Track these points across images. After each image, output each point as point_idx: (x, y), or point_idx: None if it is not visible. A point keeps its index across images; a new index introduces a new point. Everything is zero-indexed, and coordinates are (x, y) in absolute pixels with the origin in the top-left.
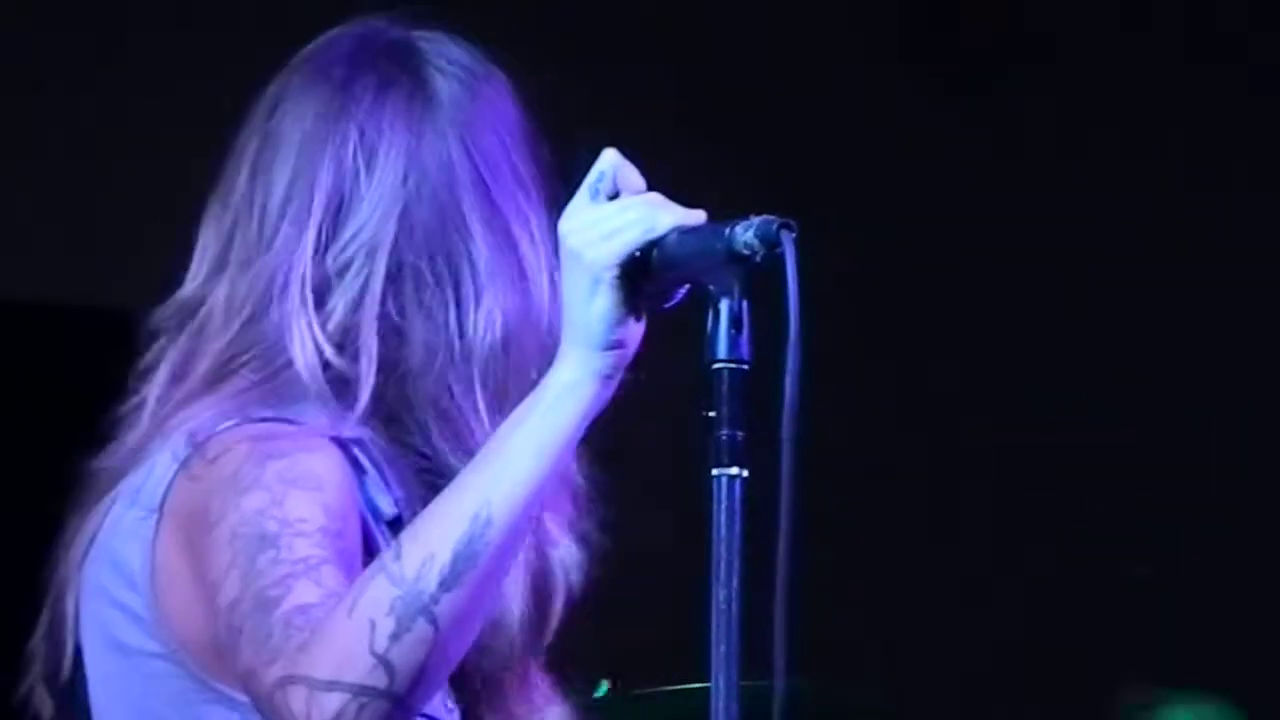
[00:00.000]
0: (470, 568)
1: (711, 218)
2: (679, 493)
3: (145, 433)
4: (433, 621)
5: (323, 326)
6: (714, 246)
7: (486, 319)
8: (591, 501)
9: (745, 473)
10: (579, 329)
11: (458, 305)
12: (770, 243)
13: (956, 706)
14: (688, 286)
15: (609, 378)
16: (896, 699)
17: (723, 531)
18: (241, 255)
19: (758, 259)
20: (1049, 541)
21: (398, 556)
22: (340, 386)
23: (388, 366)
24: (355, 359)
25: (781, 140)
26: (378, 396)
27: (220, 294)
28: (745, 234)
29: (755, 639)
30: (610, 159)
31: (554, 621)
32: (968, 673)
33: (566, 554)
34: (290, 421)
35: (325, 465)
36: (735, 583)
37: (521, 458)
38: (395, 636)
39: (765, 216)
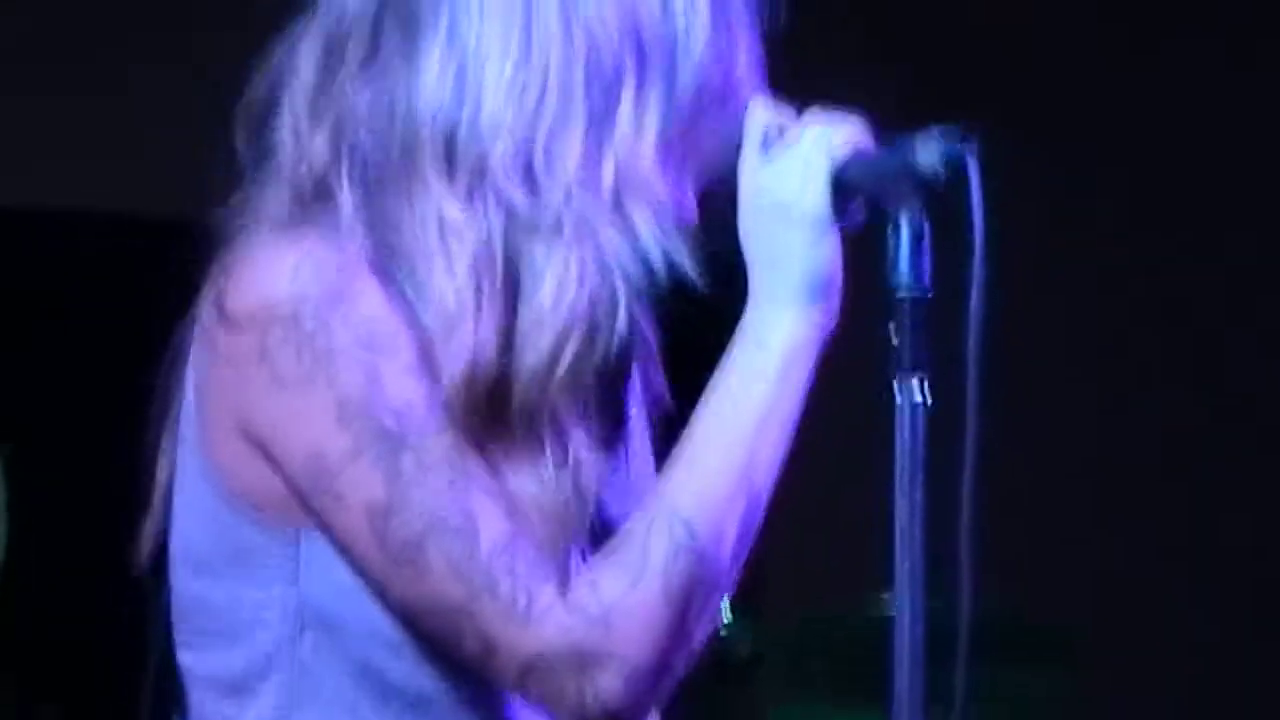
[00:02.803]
0: (748, 540)
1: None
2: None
3: None
4: (724, 592)
5: None
6: (893, 166)
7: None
8: None
9: (929, 392)
10: (799, 283)
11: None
12: (953, 161)
13: (1146, 622)
14: (864, 206)
15: (828, 328)
16: (1086, 617)
17: (906, 452)
18: None
19: (940, 178)
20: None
21: (692, 532)
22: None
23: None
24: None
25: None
26: None
27: None
28: (926, 153)
29: (940, 559)
30: (762, 111)
31: None
32: (1155, 590)
33: None
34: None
35: (372, 294)
36: (919, 497)
37: (770, 422)
38: (699, 616)
39: (945, 131)
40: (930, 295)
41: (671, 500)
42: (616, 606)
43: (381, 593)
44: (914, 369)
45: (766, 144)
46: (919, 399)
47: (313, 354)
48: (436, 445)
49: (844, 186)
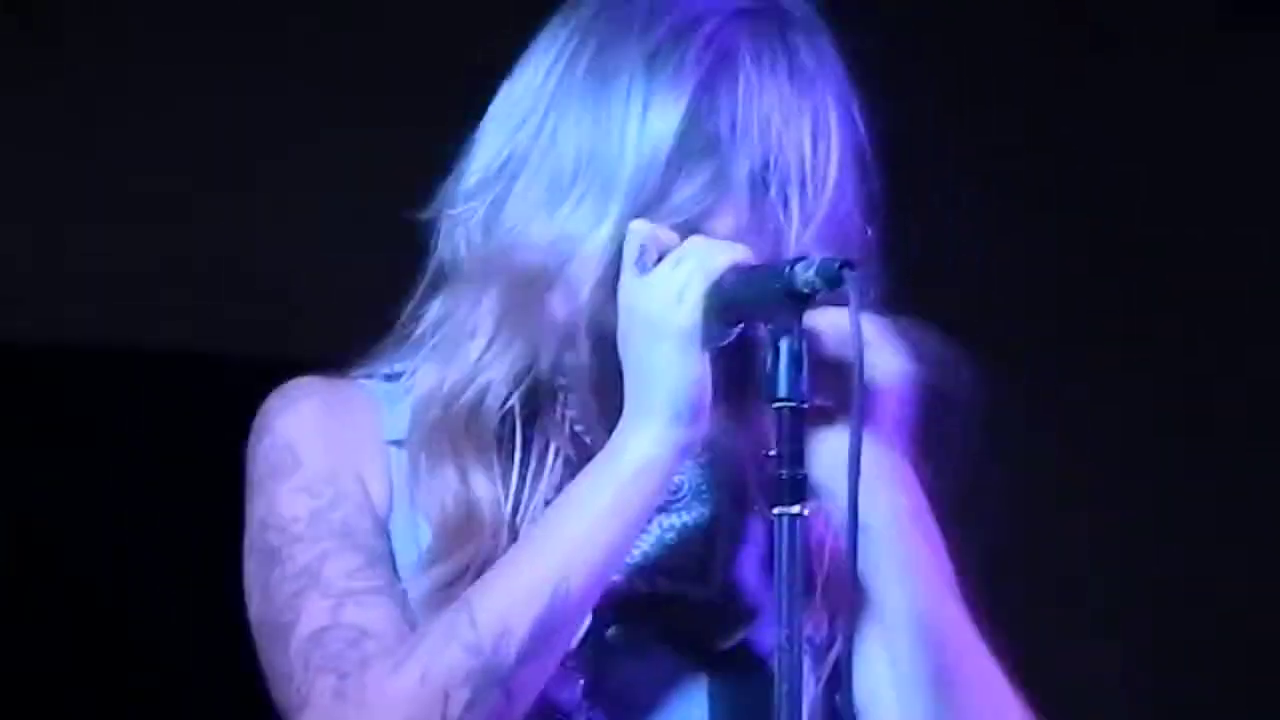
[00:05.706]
0: (547, 641)
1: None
2: None
3: None
4: (508, 694)
5: None
6: (772, 286)
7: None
8: None
9: (807, 511)
10: (663, 401)
11: None
12: (832, 281)
13: None
14: (741, 326)
15: (689, 450)
16: None
17: (784, 571)
18: None
19: (818, 298)
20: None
21: (474, 624)
22: None
23: None
24: None
25: None
26: None
27: None
28: (806, 272)
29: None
30: (639, 229)
31: None
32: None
33: None
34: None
35: (295, 421)
36: (796, 622)
37: (602, 531)
38: (470, 707)
39: (825, 256)
40: (806, 405)
41: (474, 590)
42: (374, 691)
43: None
44: (792, 480)
45: (643, 263)
46: (797, 511)
47: (250, 488)
48: (301, 555)
49: (721, 302)
